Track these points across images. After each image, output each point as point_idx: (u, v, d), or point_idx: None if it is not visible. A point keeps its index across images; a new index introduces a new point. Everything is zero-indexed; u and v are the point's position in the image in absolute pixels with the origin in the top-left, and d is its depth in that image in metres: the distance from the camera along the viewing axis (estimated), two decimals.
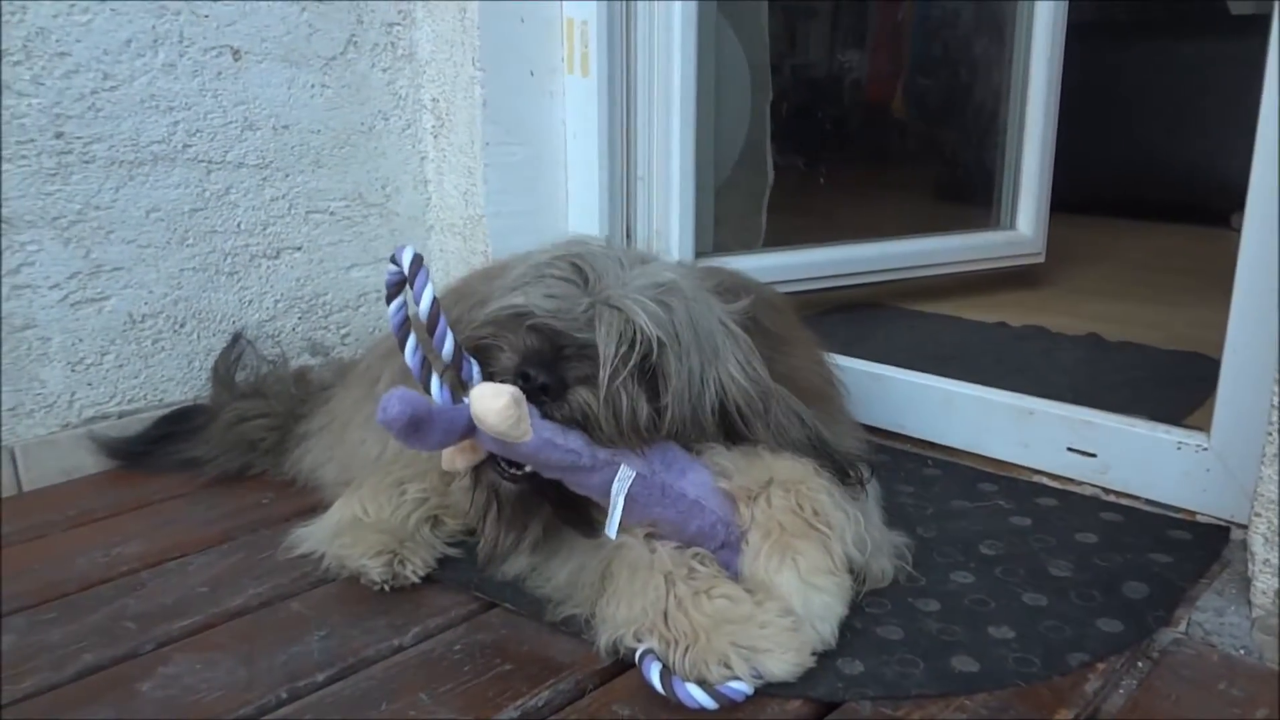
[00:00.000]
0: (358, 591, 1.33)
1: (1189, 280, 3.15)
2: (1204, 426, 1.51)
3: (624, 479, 1.14)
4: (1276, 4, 1.27)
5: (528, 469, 1.17)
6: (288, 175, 1.97)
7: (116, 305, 1.78)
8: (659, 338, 1.16)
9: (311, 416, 1.70)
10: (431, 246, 2.22)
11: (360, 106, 2.06)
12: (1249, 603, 1.24)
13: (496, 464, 1.18)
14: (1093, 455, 1.62)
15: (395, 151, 2.13)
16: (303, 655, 1.18)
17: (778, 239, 2.68)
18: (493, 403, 1.07)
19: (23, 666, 1.17)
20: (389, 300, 1.14)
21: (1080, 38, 3.05)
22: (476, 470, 1.21)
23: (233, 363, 1.87)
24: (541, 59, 2.12)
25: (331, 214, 2.06)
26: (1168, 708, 1.09)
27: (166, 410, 1.84)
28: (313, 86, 1.98)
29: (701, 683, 1.06)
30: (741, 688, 1.06)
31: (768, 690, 1.08)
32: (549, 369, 1.12)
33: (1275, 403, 1.19)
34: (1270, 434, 1.20)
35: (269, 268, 1.98)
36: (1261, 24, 1.42)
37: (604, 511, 1.17)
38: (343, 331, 2.12)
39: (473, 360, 1.15)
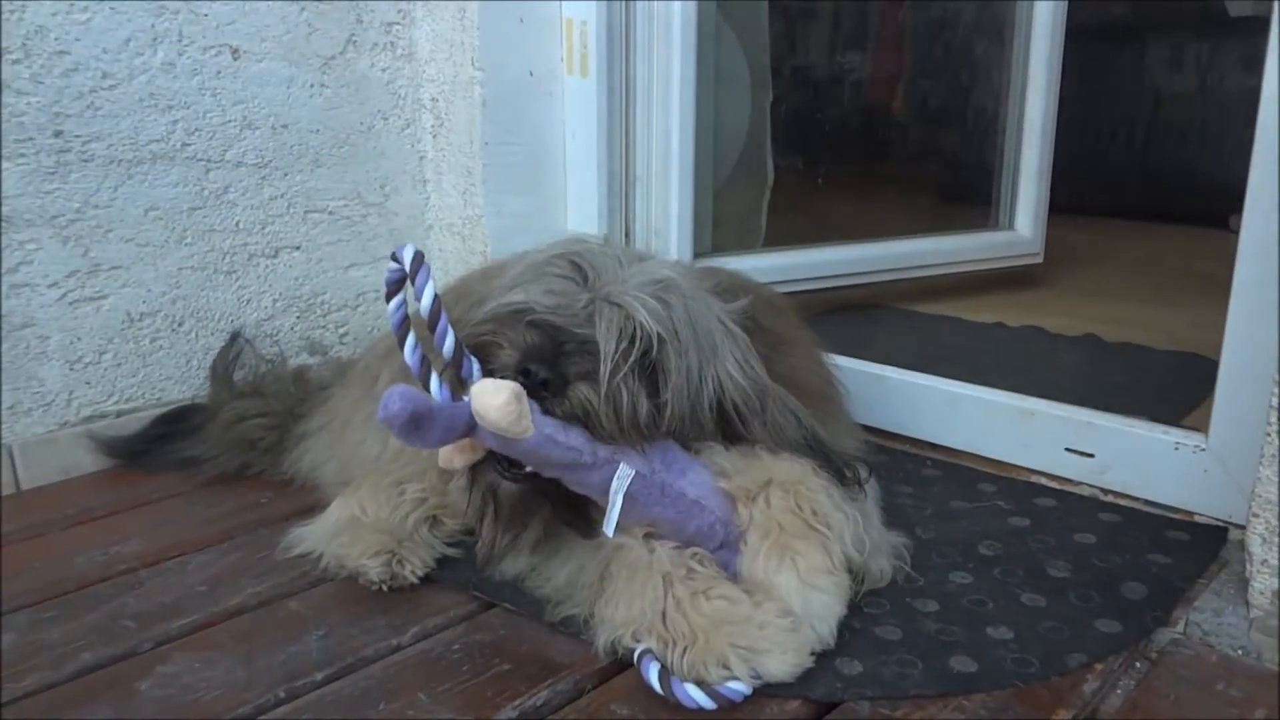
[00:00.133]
0: (356, 591, 1.33)
1: (1187, 281, 3.16)
2: (1202, 427, 1.51)
3: (623, 477, 1.14)
4: (1276, 4, 1.27)
5: (528, 469, 1.17)
6: (286, 174, 1.97)
7: (115, 304, 1.78)
8: (659, 334, 1.16)
9: (310, 416, 1.70)
10: (430, 246, 2.22)
11: (359, 106, 2.06)
12: (1247, 603, 1.24)
13: (497, 463, 1.18)
14: (1091, 456, 1.62)
15: (394, 151, 2.13)
16: (301, 655, 1.18)
17: (777, 239, 2.69)
18: (493, 399, 1.07)
19: (22, 665, 1.16)
20: (389, 298, 1.14)
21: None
22: (474, 470, 1.21)
23: (231, 362, 1.87)
24: (541, 59, 2.12)
25: (330, 213, 2.05)
26: (1166, 708, 1.09)
27: (165, 409, 1.84)
28: (312, 86, 1.98)
29: (700, 683, 1.06)
30: (740, 688, 1.06)
31: (766, 690, 1.08)
32: (549, 364, 1.12)
33: (1273, 403, 1.19)
34: (1268, 435, 1.20)
35: (267, 267, 1.98)
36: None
37: (603, 511, 1.16)
38: (341, 331, 2.12)
39: (473, 358, 1.15)
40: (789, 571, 1.14)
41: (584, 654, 1.17)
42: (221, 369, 1.86)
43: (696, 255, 2.22)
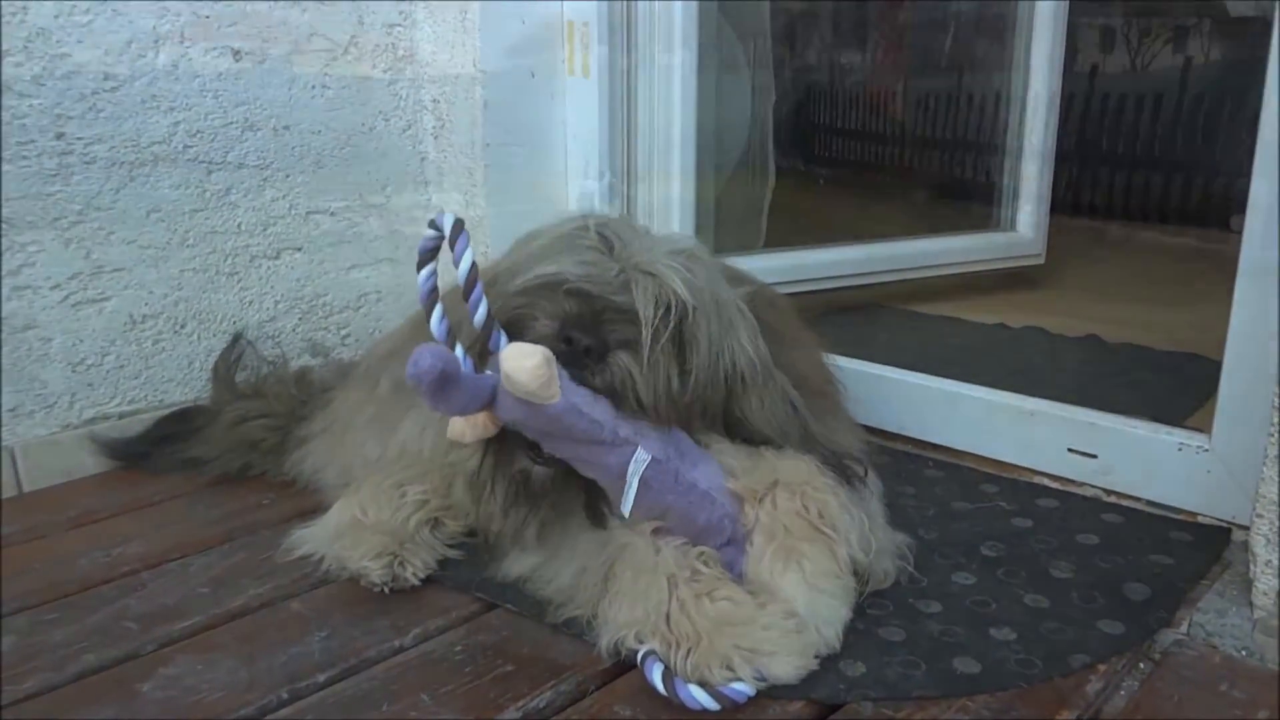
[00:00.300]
0: (358, 592, 1.33)
1: (1189, 282, 3.16)
2: (1205, 428, 1.51)
3: (640, 461, 1.14)
4: (1277, 4, 1.27)
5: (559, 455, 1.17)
6: (288, 176, 1.97)
7: (117, 306, 1.78)
8: (691, 304, 1.17)
9: (312, 418, 1.70)
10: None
11: (361, 107, 2.06)
12: (1250, 604, 1.24)
13: (527, 448, 1.18)
14: (1094, 456, 1.62)
15: (396, 152, 2.13)
16: (303, 656, 1.18)
17: (778, 240, 2.69)
18: (525, 361, 1.06)
19: (24, 667, 1.16)
20: (420, 267, 1.14)
21: None
22: (498, 455, 1.20)
23: (233, 363, 1.87)
24: (542, 60, 2.12)
25: (332, 215, 2.05)
26: (1169, 709, 1.09)
27: (167, 411, 1.84)
28: (313, 87, 1.98)
29: (703, 684, 1.06)
30: (744, 689, 1.06)
31: (769, 691, 1.08)
32: (591, 332, 1.12)
33: (1276, 404, 1.19)
34: (1271, 435, 1.20)
35: (269, 268, 1.98)
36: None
37: (613, 507, 1.17)
38: (343, 332, 2.12)
39: (502, 331, 1.15)
40: (795, 574, 1.14)
41: (587, 655, 1.16)
42: (223, 371, 1.86)
43: None
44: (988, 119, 3.11)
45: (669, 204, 2.19)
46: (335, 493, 1.50)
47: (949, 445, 1.80)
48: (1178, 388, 2.00)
